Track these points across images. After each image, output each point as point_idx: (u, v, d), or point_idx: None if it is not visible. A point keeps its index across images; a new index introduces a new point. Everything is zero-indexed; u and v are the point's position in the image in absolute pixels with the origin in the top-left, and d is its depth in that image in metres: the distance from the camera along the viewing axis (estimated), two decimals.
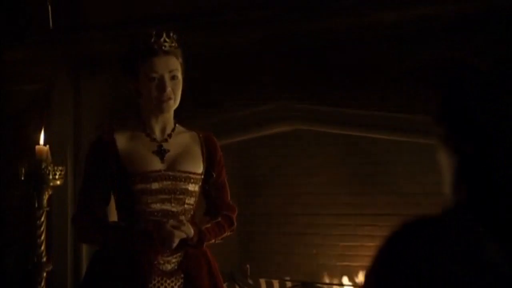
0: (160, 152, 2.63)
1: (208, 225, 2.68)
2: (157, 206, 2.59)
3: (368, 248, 4.77)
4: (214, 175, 2.73)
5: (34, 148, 3.84)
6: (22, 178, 3.79)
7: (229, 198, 2.81)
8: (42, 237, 3.85)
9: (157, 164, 2.62)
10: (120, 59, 2.70)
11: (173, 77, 2.59)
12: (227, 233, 2.76)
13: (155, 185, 2.59)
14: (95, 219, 2.64)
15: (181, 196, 2.63)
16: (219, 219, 2.73)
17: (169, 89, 2.57)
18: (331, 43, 3.90)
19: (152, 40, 2.57)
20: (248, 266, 4.77)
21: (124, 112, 4.24)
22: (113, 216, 2.77)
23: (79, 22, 4.50)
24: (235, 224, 2.79)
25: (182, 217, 2.60)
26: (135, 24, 4.14)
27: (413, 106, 3.81)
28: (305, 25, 3.87)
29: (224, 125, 4.34)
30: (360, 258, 4.79)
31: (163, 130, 2.67)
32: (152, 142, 2.65)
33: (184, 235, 2.55)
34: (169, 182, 2.61)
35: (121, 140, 2.64)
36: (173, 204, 2.61)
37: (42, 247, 3.85)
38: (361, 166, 4.84)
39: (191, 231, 2.56)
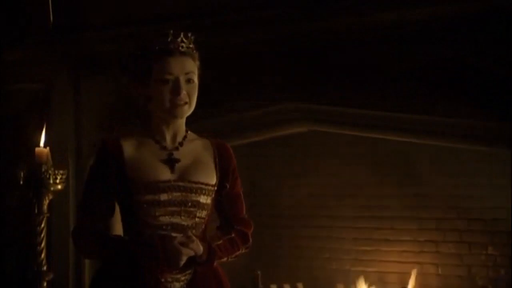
0: (170, 161, 2.55)
1: (220, 242, 2.57)
2: (166, 219, 2.51)
3: (384, 253, 4.83)
4: (228, 186, 2.64)
5: (34, 150, 3.92)
6: (21, 182, 3.88)
7: (244, 212, 2.69)
8: (42, 245, 3.92)
9: (166, 174, 2.53)
10: (130, 59, 2.60)
11: (189, 80, 2.51)
12: (241, 251, 2.64)
13: (163, 196, 2.50)
14: (97, 232, 2.55)
15: (192, 209, 2.54)
16: (232, 235, 2.61)
17: (184, 92, 2.49)
18: (336, 43, 3.97)
19: (169, 39, 2.50)
20: (259, 272, 4.82)
21: (125, 112, 4.35)
22: (118, 229, 2.67)
23: (79, 22, 4.58)
24: (251, 241, 2.66)
25: (191, 232, 2.50)
26: (135, 24, 4.23)
27: (416, 106, 3.90)
28: (308, 25, 3.93)
29: (232, 126, 4.45)
30: (376, 263, 4.85)
31: (174, 137, 2.59)
32: (162, 151, 2.56)
33: (192, 253, 2.45)
34: (179, 194, 2.53)
35: (128, 147, 2.55)
36: (183, 217, 2.53)
37: (42, 255, 3.92)
38: (377, 167, 4.87)
39: (200, 248, 2.46)
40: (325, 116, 4.27)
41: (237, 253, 2.63)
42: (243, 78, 4.25)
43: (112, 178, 2.54)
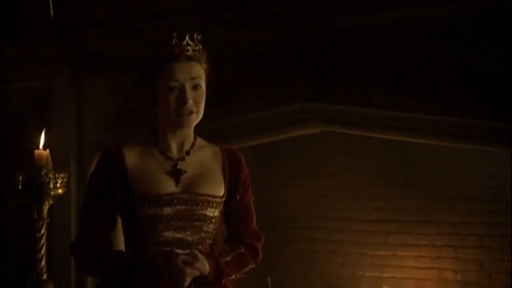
0: (176, 174, 2.46)
1: (228, 258, 2.46)
2: (170, 234, 2.41)
3: (400, 258, 4.76)
4: (238, 197, 2.54)
5: (33, 152, 3.80)
6: (20, 187, 3.76)
7: (254, 224, 2.60)
8: (42, 252, 3.82)
9: (170, 186, 2.44)
10: (136, 65, 2.50)
11: (196, 87, 2.41)
12: (251, 266, 2.55)
13: (167, 210, 2.41)
14: (97, 248, 2.44)
15: (198, 223, 2.44)
16: (242, 249, 2.51)
17: (190, 101, 2.39)
18: (342, 43, 3.96)
19: (173, 43, 2.40)
20: (269, 279, 4.75)
21: (126, 111, 4.31)
22: (121, 242, 2.59)
23: (79, 21, 4.53)
24: (261, 255, 2.58)
25: (197, 251, 2.39)
26: (136, 22, 4.21)
27: (416, 105, 3.89)
28: (317, 24, 3.91)
29: (241, 127, 4.38)
30: (391, 268, 4.79)
31: (180, 146, 2.50)
32: (167, 161, 2.47)
33: (197, 273, 2.35)
34: (184, 207, 2.43)
35: (131, 157, 2.46)
36: (188, 232, 2.43)
37: (42, 263, 3.82)
38: (392, 169, 4.81)
39: (206, 268, 2.36)
40: (336, 117, 4.23)
41: (247, 268, 2.54)
42: (251, 78, 4.21)
43: (113, 190, 2.44)
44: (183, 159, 2.49)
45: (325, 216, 5.05)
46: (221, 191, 2.50)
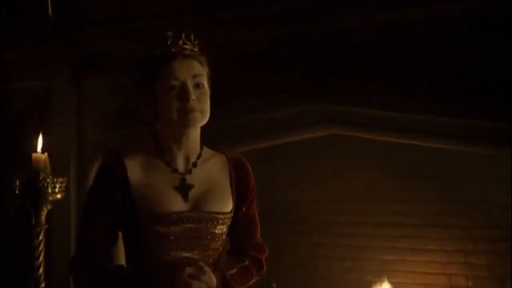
0: (183, 189, 2.40)
1: (233, 271, 2.45)
2: (177, 253, 2.37)
3: (409, 263, 4.71)
4: (244, 209, 2.51)
5: (31, 155, 3.79)
6: (18, 191, 3.76)
7: (258, 236, 2.58)
8: (41, 259, 3.81)
9: (179, 204, 2.38)
10: (136, 67, 2.47)
11: (198, 85, 2.34)
12: (255, 279, 2.54)
13: (175, 229, 2.35)
14: (98, 267, 2.38)
15: (205, 242, 2.41)
16: (246, 262, 2.50)
17: (193, 98, 2.31)
18: (345, 43, 3.96)
19: (169, 42, 2.36)
20: (274, 285, 4.72)
21: (125, 111, 4.31)
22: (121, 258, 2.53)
23: (79, 21, 4.54)
24: (265, 268, 2.57)
25: (202, 263, 2.34)
26: (136, 21, 4.21)
27: (416, 105, 3.88)
28: (323, 24, 3.90)
29: (248, 128, 4.38)
30: (400, 274, 4.73)
31: (187, 157, 2.43)
32: (174, 174, 2.40)
33: (205, 287, 2.30)
34: (192, 225, 2.37)
35: (134, 169, 2.38)
36: (196, 251, 2.40)
37: (41, 270, 3.81)
38: (401, 171, 4.75)
39: (213, 281, 2.32)
40: (336, 117, 4.22)
41: (251, 281, 2.52)
42: (251, 78, 4.21)
43: (115, 205, 2.37)
44: (189, 172, 2.43)
45: (331, 220, 5.00)
46: (229, 206, 2.46)
